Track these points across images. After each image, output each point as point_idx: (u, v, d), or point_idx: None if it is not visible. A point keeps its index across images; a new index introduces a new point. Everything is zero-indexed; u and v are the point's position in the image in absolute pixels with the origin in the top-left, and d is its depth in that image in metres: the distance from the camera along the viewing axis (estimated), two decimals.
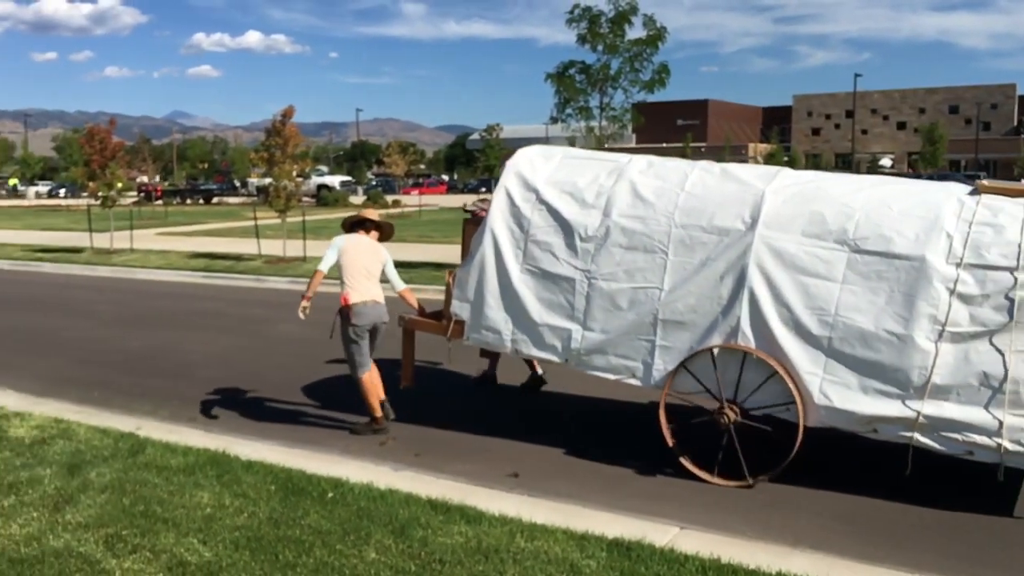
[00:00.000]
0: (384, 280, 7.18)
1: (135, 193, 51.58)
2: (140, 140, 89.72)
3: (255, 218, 21.22)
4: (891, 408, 5.54)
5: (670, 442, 6.16)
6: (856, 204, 5.96)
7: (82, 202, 33.83)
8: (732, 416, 5.93)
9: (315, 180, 56.73)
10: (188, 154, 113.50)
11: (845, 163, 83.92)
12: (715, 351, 5.99)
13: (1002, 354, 5.33)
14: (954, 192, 5.96)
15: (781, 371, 5.78)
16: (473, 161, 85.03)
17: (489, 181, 69.71)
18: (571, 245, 6.55)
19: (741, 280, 5.97)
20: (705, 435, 6.08)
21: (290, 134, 18.38)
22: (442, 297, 7.37)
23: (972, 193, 5.91)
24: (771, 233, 5.98)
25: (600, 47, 15.93)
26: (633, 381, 6.36)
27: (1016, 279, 5.35)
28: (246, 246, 21.15)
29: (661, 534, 4.98)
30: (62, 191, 75.21)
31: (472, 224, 7.53)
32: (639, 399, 7.50)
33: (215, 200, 58.62)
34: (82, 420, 7.28)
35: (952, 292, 5.46)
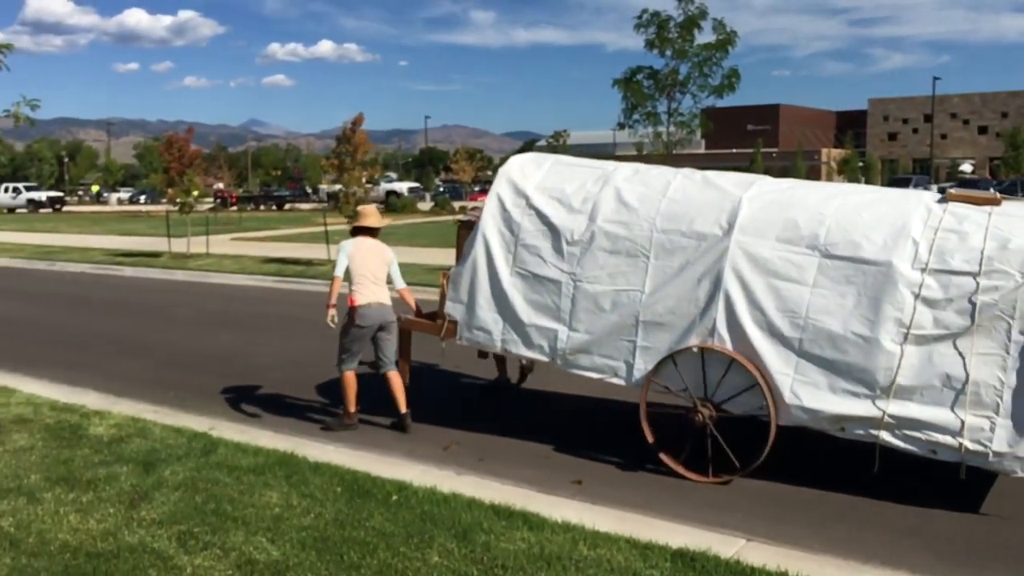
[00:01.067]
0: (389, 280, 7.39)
1: (211, 199, 53.02)
2: (216, 148, 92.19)
3: (325, 224, 21.60)
4: (858, 407, 5.71)
5: (650, 438, 6.38)
6: (828, 211, 6.15)
7: (161, 208, 34.93)
8: (707, 414, 6.13)
9: (384, 186, 57.56)
10: (262, 161, 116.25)
11: (923, 168, 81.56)
12: (693, 351, 6.21)
13: (963, 356, 5.49)
14: (924, 200, 6.16)
15: (754, 372, 5.95)
16: None
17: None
18: (558, 249, 6.79)
19: (717, 283, 6.19)
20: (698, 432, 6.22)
21: (359, 141, 18.67)
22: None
23: (941, 201, 6.11)
24: (746, 238, 6.19)
25: (668, 52, 15.88)
26: (616, 380, 6.57)
27: (978, 284, 5.51)
28: (317, 251, 21.53)
29: (727, 546, 4.90)
30: (142, 197, 77.83)
31: (465, 229, 7.67)
32: None
33: (287, 206, 59.90)
34: (158, 419, 7.50)
35: (917, 296, 5.64)
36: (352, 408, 7.39)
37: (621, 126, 17.48)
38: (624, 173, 7.04)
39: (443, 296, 7.29)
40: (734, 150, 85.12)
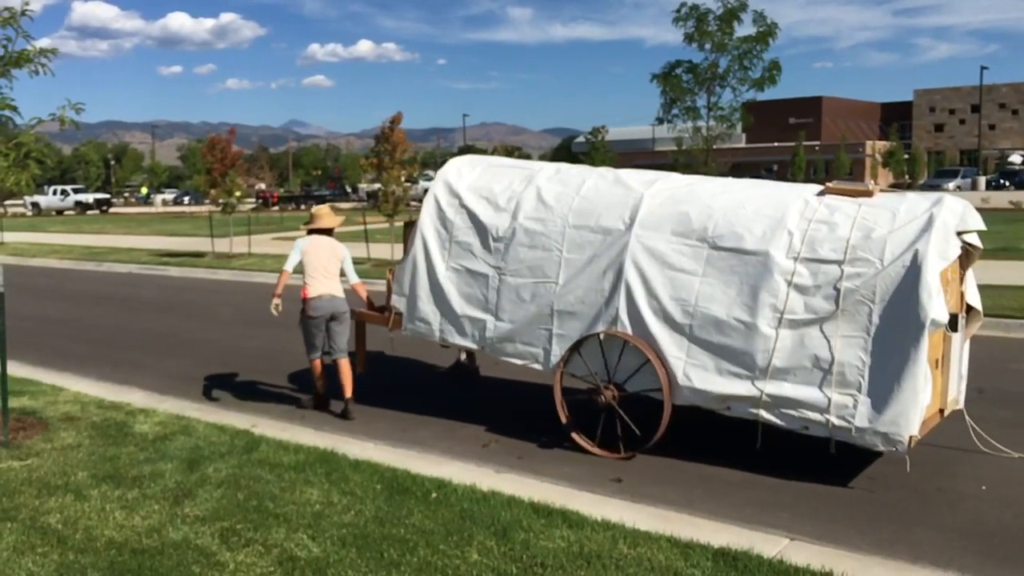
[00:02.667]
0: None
1: (253, 199, 53.67)
2: (258, 149, 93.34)
3: (364, 223, 21.75)
4: (740, 388, 6.11)
5: (564, 419, 6.84)
6: (717, 205, 6.56)
7: (204, 209, 35.45)
8: (610, 396, 6.58)
9: (423, 184, 57.78)
10: (303, 161, 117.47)
11: (971, 160, 79.86)
12: (599, 337, 6.65)
13: (830, 339, 5.85)
14: (803, 194, 6.51)
15: (651, 356, 6.39)
16: (578, 164, 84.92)
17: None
18: (486, 245, 7.28)
19: (619, 274, 6.63)
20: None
21: (398, 140, 18.76)
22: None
23: (820, 194, 6.45)
24: (645, 232, 6.62)
25: (708, 46, 15.63)
26: (536, 366, 7.06)
27: (843, 272, 5.86)
28: (356, 250, 21.59)
29: (770, 545, 4.82)
30: (186, 198, 79.09)
31: (410, 227, 8.02)
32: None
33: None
34: (201, 417, 7.61)
35: (790, 284, 6.01)
36: (321, 389, 8.05)
37: (660, 121, 17.29)
38: (547, 173, 7.50)
39: (390, 290, 7.84)
40: (775, 144, 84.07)
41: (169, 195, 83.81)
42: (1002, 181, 58.81)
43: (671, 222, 6.59)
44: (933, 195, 6.36)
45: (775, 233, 6.17)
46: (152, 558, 4.70)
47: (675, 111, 16.40)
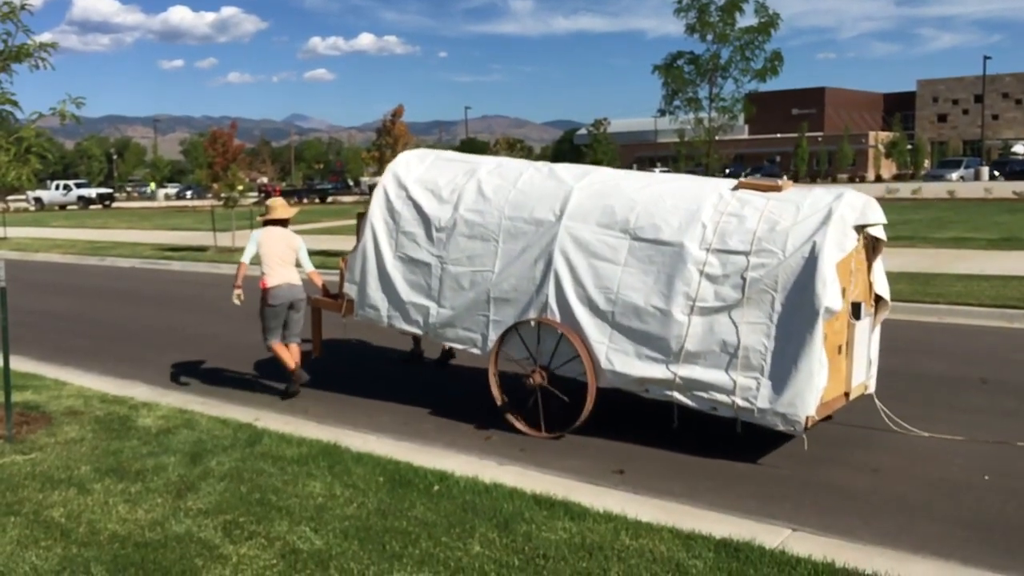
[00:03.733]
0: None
1: (255, 193, 53.70)
2: (260, 142, 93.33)
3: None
4: (656, 371, 6.43)
5: (499, 401, 7.16)
6: (639, 198, 6.86)
7: (207, 203, 35.47)
8: (539, 379, 6.87)
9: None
10: (305, 155, 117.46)
11: (974, 150, 79.64)
12: (531, 323, 6.98)
13: (736, 325, 6.16)
14: (719, 188, 6.81)
15: (576, 341, 6.69)
16: (581, 156, 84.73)
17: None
18: (429, 235, 7.61)
19: (549, 264, 6.94)
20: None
21: (400, 133, 18.77)
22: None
23: (734, 189, 6.75)
24: (573, 224, 6.93)
25: (710, 36, 15.55)
26: (475, 350, 7.41)
27: (749, 262, 6.17)
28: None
29: (772, 536, 4.82)
30: (188, 193, 79.10)
31: (362, 218, 8.33)
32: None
33: (330, 199, 60.40)
34: (204, 411, 7.61)
35: (702, 273, 6.32)
36: (292, 367, 8.23)
37: (662, 112, 17.21)
38: (488, 167, 7.82)
39: (343, 278, 8.19)
40: (778, 135, 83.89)
41: (171, 189, 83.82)
42: (994, 172, 58.80)
43: (597, 214, 6.89)
44: (836, 191, 6.63)
45: (690, 225, 6.48)
46: (155, 551, 4.71)
47: (677, 103, 16.35)
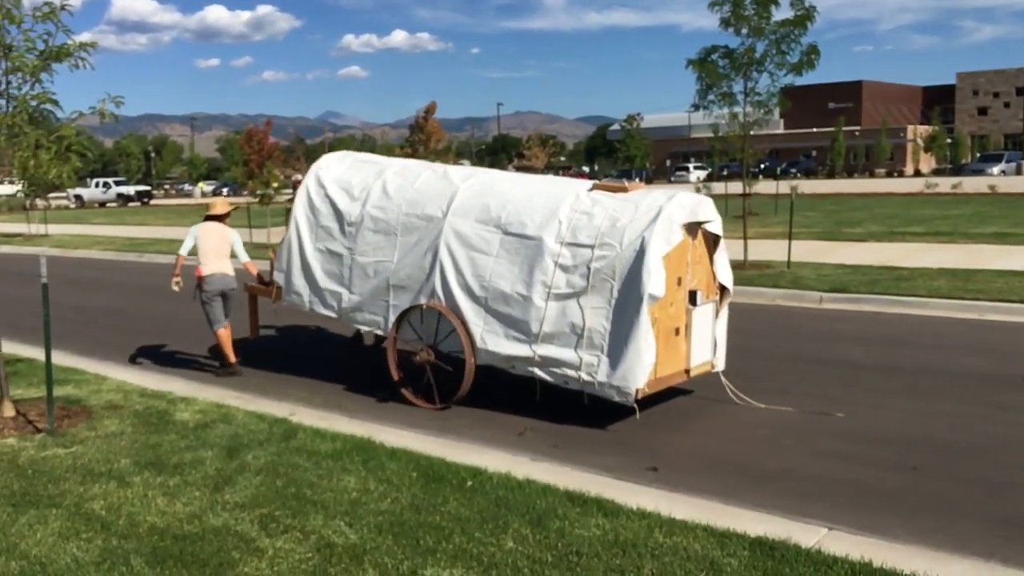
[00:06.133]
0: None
1: (290, 190, 54.12)
2: (295, 140, 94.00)
3: None
4: (520, 350, 7.23)
5: (395, 376, 7.97)
6: (511, 197, 7.65)
7: (242, 200, 35.84)
8: (425, 357, 7.70)
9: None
10: (338, 151, 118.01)
11: (1016, 144, 78.10)
12: (421, 307, 7.79)
13: (583, 309, 6.94)
14: (578, 189, 7.59)
15: (457, 324, 7.49)
16: (614, 151, 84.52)
17: (630, 172, 69.05)
18: (342, 229, 8.46)
19: (436, 255, 7.74)
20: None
21: (432, 129, 18.85)
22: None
23: (591, 189, 7.54)
24: (456, 219, 7.74)
25: (744, 30, 15.32)
26: (379, 332, 8.31)
27: (594, 254, 6.96)
28: None
29: (808, 534, 4.77)
30: (225, 190, 79.93)
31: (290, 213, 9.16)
32: (775, 404, 7.16)
33: None
34: (241, 406, 7.71)
35: (556, 264, 7.10)
36: (232, 359, 9.17)
37: (696, 107, 17.03)
38: (394, 169, 8.68)
39: (272, 267, 9.14)
40: (814, 129, 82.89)
41: (208, 187, 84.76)
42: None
43: (476, 211, 7.69)
44: (671, 192, 7.40)
45: (549, 222, 7.25)
46: (193, 544, 4.78)
47: (711, 97, 16.11)
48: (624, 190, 7.45)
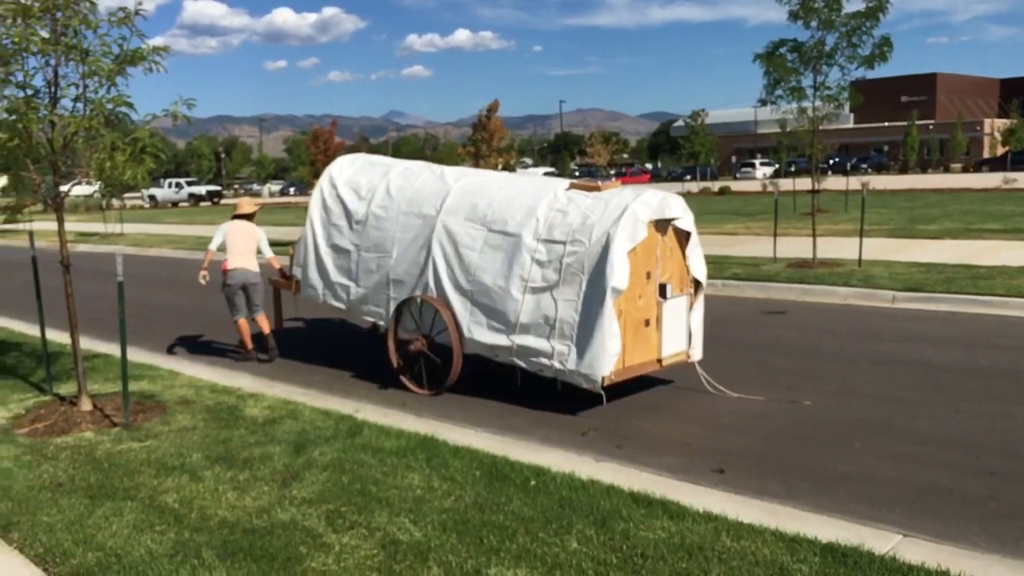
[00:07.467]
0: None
1: None
2: (359, 139, 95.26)
3: None
4: (501, 340, 7.66)
5: (395, 364, 8.54)
6: (496, 197, 8.07)
7: (309, 199, 36.47)
8: (419, 345, 8.27)
9: (519, 172, 57.86)
10: (402, 151, 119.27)
11: None
12: (416, 300, 8.33)
13: (556, 301, 7.33)
14: (556, 188, 7.94)
15: (446, 315, 7.97)
16: (677, 148, 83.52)
17: (694, 168, 68.19)
18: (351, 226, 9.07)
19: (429, 251, 8.24)
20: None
21: (495, 128, 18.86)
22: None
23: (568, 189, 7.89)
24: (447, 218, 8.23)
25: (814, 23, 14.96)
26: (381, 323, 8.87)
27: (566, 250, 7.33)
28: None
29: (882, 541, 4.63)
30: (292, 189, 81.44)
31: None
32: (844, 407, 6.95)
33: None
34: (307, 402, 7.82)
35: (533, 259, 7.49)
36: (249, 347, 9.94)
37: (763, 103, 16.68)
38: (398, 170, 9.21)
39: (291, 261, 9.85)
40: (886, 124, 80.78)
41: (275, 186, 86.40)
42: None
43: (465, 210, 8.16)
44: (639, 190, 7.68)
45: (528, 220, 7.65)
46: (262, 538, 4.86)
47: (779, 92, 15.78)
48: (597, 188, 7.80)
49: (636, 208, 7.28)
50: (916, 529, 4.83)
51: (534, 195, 7.92)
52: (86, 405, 7.59)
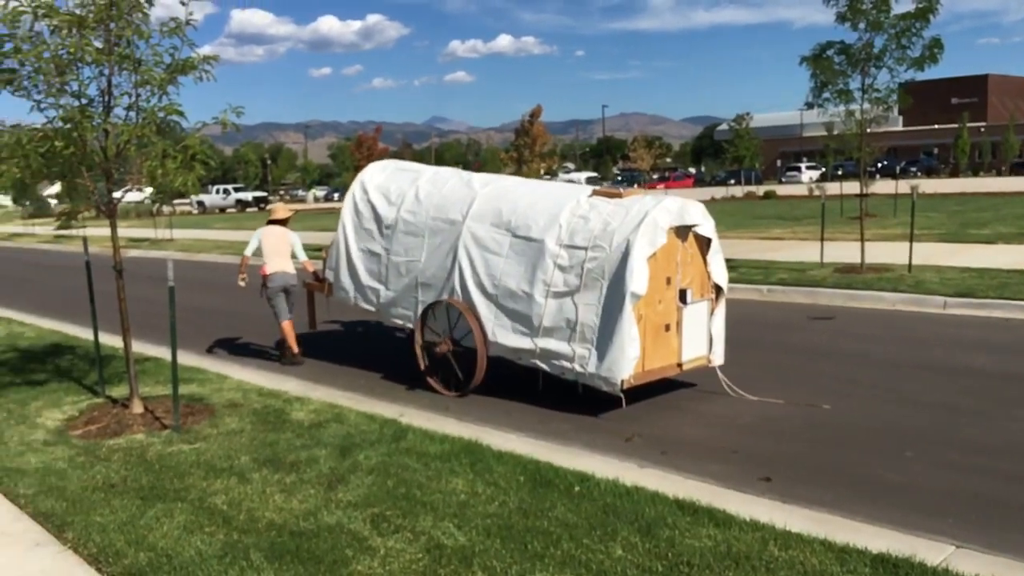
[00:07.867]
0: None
1: None
2: (402, 145, 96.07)
3: None
4: (525, 343, 7.81)
5: (422, 366, 8.74)
6: (520, 203, 8.25)
7: None
8: (445, 348, 8.43)
9: (562, 177, 57.81)
10: (445, 156, 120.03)
11: None
12: (443, 304, 8.50)
13: (577, 306, 7.44)
14: (579, 195, 8.08)
15: (471, 318, 8.14)
16: (721, 152, 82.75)
17: (739, 172, 67.48)
18: (380, 231, 9.33)
19: (455, 256, 8.44)
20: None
21: (537, 133, 18.90)
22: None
23: (591, 196, 8.01)
24: (473, 223, 8.42)
25: (862, 24, 14.73)
26: (409, 325, 9.09)
27: (587, 255, 7.46)
28: None
29: (934, 552, 4.54)
30: (336, 195, 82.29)
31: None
32: (893, 415, 6.83)
33: None
34: (352, 406, 7.89)
35: (555, 264, 7.64)
36: (295, 349, 10.15)
37: (809, 106, 16.45)
38: (427, 176, 9.45)
39: (324, 265, 10.13)
40: (935, 126, 79.28)
41: (320, 192, 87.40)
42: None
43: (490, 216, 8.33)
44: (659, 197, 7.76)
45: (551, 225, 7.79)
46: (309, 540, 4.91)
47: (826, 95, 15.55)
48: (619, 195, 7.92)
49: (656, 214, 7.36)
50: (969, 540, 4.72)
51: (557, 201, 8.05)
52: (137, 408, 7.74)
